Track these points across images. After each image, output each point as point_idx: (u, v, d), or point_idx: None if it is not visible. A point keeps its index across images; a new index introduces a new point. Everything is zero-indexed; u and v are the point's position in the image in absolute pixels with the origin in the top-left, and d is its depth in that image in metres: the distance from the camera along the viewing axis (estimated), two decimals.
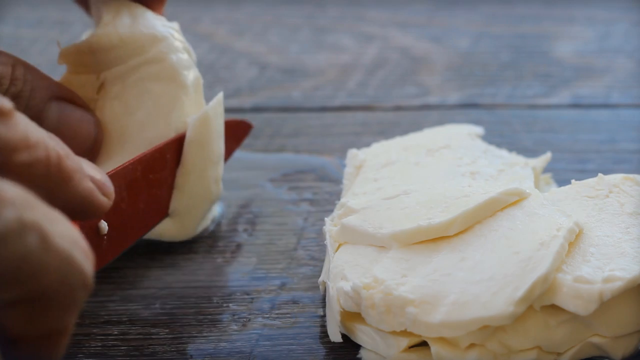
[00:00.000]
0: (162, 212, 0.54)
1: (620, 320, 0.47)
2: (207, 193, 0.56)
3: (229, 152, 0.59)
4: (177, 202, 0.55)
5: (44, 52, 0.78)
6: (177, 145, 0.54)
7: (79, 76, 0.54)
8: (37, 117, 0.50)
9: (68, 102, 0.52)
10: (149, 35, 0.54)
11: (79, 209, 0.41)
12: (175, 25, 0.56)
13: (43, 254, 0.36)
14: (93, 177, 0.42)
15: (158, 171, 0.53)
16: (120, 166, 0.50)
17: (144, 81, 0.54)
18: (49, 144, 0.39)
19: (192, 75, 0.55)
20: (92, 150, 0.53)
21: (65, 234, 0.37)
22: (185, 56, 0.55)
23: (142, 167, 0.52)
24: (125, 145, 0.54)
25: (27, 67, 0.50)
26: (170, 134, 0.54)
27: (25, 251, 0.35)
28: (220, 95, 0.56)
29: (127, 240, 0.52)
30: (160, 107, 0.54)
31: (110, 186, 0.43)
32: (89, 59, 0.54)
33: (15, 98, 0.49)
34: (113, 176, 0.48)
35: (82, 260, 0.37)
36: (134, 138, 0.54)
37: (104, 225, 0.49)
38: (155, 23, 0.55)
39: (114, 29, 0.53)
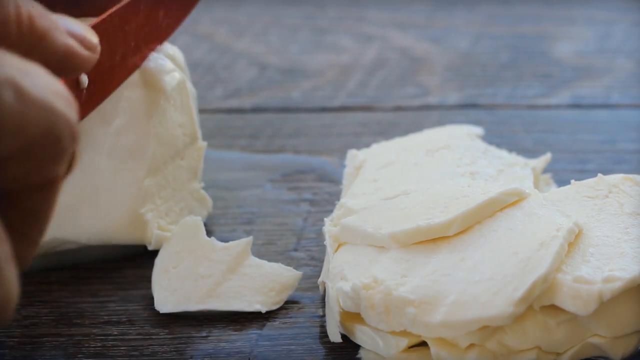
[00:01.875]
0: (135, 64, 0.54)
1: (620, 321, 0.47)
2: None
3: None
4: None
5: None
6: None
7: None
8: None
9: None
10: None
11: (61, 66, 0.41)
12: None
13: (22, 107, 0.35)
14: (72, 31, 0.41)
15: (132, 23, 0.52)
16: (96, 20, 0.49)
17: (120, 90, 0.54)
18: (18, 1, 0.38)
19: (173, 80, 0.55)
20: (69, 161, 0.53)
21: (45, 86, 0.36)
22: (164, 61, 0.55)
23: (118, 19, 0.51)
24: (102, 154, 0.54)
25: None
26: (149, 140, 0.54)
27: (2, 107, 0.34)
28: None
29: (104, 93, 0.52)
30: (137, 114, 0.54)
31: (93, 39, 0.43)
32: None
33: None
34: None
35: (66, 109, 0.37)
36: (112, 146, 0.54)
37: (84, 78, 0.48)
38: None
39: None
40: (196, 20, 0.84)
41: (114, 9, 0.51)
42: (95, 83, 0.50)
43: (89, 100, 0.50)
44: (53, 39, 0.40)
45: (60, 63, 0.41)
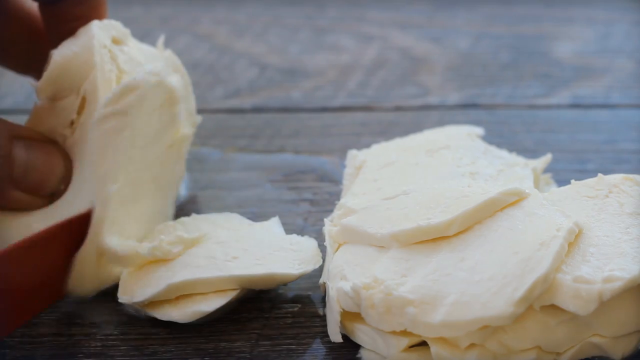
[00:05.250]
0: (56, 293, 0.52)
1: (620, 320, 0.47)
2: None
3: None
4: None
5: None
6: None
7: (57, 102, 0.54)
8: (7, 157, 0.51)
9: (30, 139, 0.52)
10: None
11: None
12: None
13: None
14: None
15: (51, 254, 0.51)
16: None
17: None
18: None
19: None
20: (64, 181, 0.53)
21: None
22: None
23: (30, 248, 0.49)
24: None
25: None
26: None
27: None
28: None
29: (15, 320, 0.50)
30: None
31: None
32: (63, 79, 0.53)
33: None
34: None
35: None
36: None
37: None
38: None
39: (70, 41, 0.54)
40: (196, 20, 0.84)
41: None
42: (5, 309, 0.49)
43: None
44: None
45: None
